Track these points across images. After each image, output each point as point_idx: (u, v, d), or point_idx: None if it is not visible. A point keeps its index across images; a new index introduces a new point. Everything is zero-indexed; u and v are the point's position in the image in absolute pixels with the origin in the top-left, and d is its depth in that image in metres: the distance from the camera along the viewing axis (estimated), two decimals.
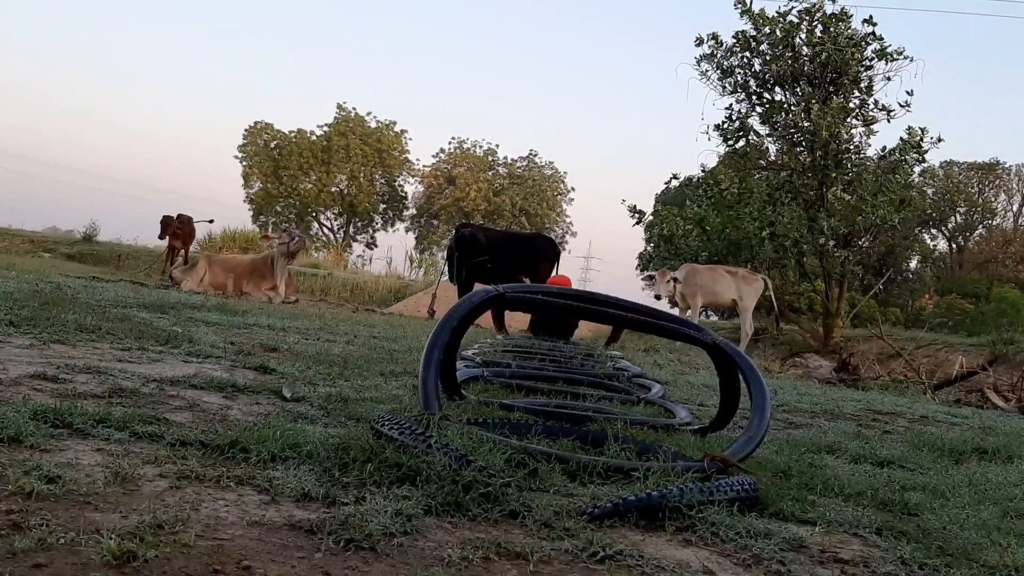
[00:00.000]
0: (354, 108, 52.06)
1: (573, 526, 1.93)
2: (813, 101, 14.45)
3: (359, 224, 53.20)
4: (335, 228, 53.81)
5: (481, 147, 52.32)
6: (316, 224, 52.69)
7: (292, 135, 51.10)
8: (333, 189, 51.19)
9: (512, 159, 52.94)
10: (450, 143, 54.26)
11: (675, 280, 13.02)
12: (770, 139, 15.61)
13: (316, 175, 50.57)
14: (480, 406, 3.44)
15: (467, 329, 3.49)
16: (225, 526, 1.65)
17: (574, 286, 13.55)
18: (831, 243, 13.71)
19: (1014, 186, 45.76)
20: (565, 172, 53.24)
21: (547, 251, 13.86)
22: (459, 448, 2.17)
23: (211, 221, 19.76)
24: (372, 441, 2.32)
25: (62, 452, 2.04)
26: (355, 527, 1.69)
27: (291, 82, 74.03)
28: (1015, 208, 46.18)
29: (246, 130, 51.25)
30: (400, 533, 1.71)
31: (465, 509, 1.93)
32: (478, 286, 13.31)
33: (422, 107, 76.27)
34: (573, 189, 53.26)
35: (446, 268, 14.38)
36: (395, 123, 52.83)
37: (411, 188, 53.92)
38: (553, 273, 13.32)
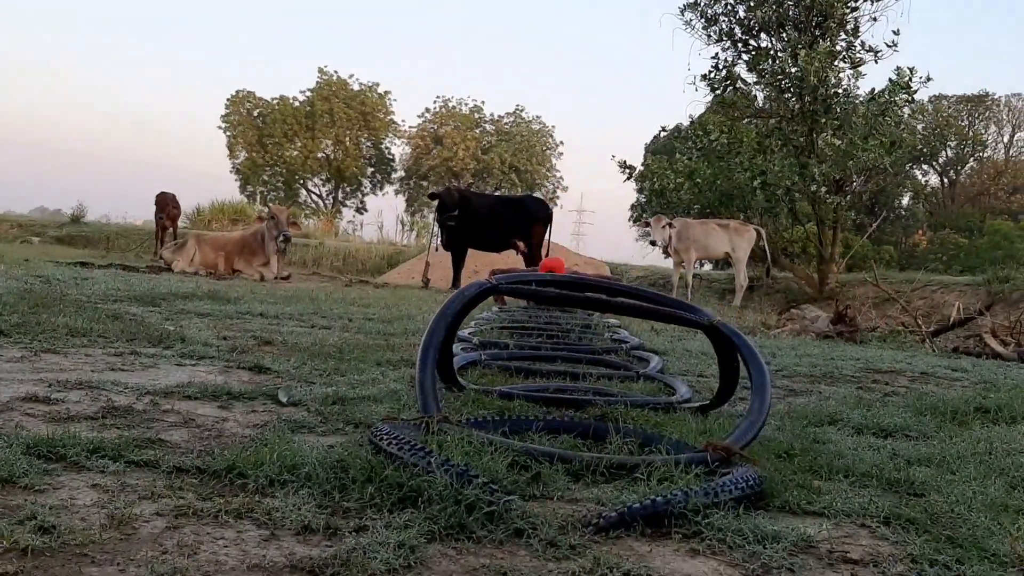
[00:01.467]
0: (335, 71, 51.54)
1: (579, 542, 1.90)
2: (800, 46, 14.27)
3: (348, 189, 52.87)
4: (324, 194, 53.50)
5: (467, 104, 51.87)
6: (304, 191, 52.38)
7: (275, 102, 50.56)
8: (319, 155, 50.80)
9: (499, 116, 52.55)
10: (435, 102, 53.85)
11: (670, 225, 12.96)
12: (758, 87, 15.44)
13: (301, 141, 50.15)
14: (479, 396, 3.42)
15: (461, 321, 3.46)
16: (225, 572, 1.62)
17: (567, 246, 13.48)
18: (823, 189, 13.65)
19: (1004, 117, 45.52)
20: (553, 126, 52.91)
21: (539, 212, 13.79)
22: (460, 464, 2.14)
23: None
24: (371, 457, 2.29)
25: (56, 491, 2.00)
26: (357, 565, 1.66)
27: (270, 49, 73.12)
28: (1005, 139, 46.00)
29: (228, 99, 50.75)
30: (403, 568, 1.68)
31: (469, 531, 1.90)
32: (482, 276, 13.26)
33: (404, 67, 75.64)
34: (562, 143, 52.99)
35: (438, 236, 14.32)
36: (378, 85, 52.32)
37: (398, 150, 53.57)
38: (546, 236, 13.25)
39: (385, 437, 2.37)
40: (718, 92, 15.21)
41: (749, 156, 14.56)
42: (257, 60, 72.69)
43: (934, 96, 42.10)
